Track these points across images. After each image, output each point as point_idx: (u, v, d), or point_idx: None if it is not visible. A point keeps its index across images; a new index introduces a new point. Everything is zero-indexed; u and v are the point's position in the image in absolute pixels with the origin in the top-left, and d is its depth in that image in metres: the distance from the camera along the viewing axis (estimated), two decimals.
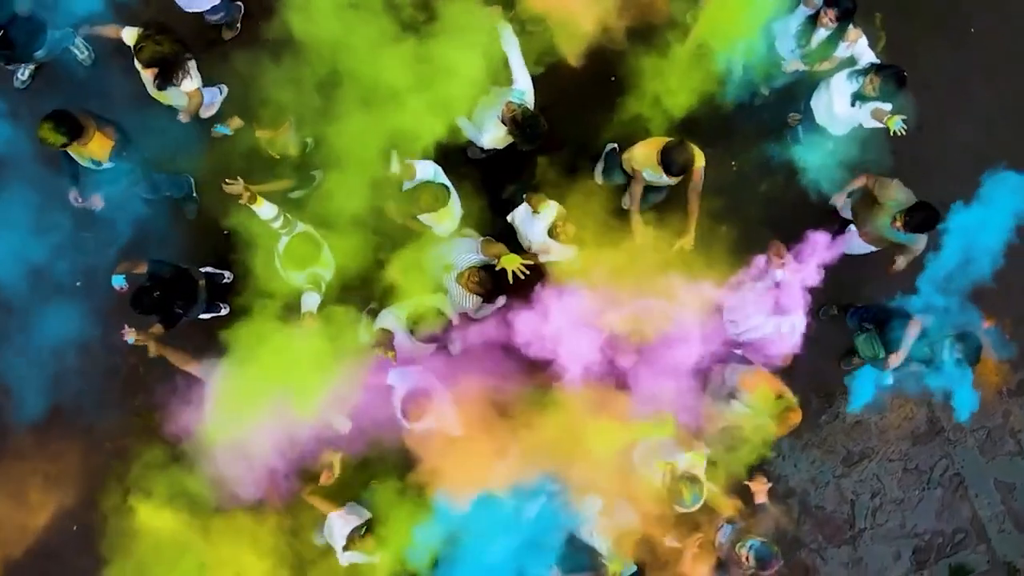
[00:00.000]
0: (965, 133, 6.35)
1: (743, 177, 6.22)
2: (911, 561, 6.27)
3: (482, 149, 5.45)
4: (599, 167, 5.91)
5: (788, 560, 6.12)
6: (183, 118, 5.52)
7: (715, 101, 5.38)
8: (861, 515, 6.25)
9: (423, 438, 4.87)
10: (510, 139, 5.17)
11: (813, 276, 4.88)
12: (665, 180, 5.27)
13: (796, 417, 4.87)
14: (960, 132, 6.35)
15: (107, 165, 5.00)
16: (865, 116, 5.26)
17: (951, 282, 5.13)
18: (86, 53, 5.98)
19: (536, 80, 5.14)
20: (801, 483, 6.25)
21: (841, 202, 5.63)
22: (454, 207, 5.11)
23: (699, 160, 5.15)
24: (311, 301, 4.91)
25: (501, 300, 5.27)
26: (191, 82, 5.17)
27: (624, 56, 5.52)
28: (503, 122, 5.04)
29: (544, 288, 4.89)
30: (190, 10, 5.69)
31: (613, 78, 5.88)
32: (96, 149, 4.88)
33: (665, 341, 4.90)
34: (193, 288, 5.29)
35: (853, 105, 5.23)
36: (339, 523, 4.94)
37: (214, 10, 5.73)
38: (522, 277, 4.95)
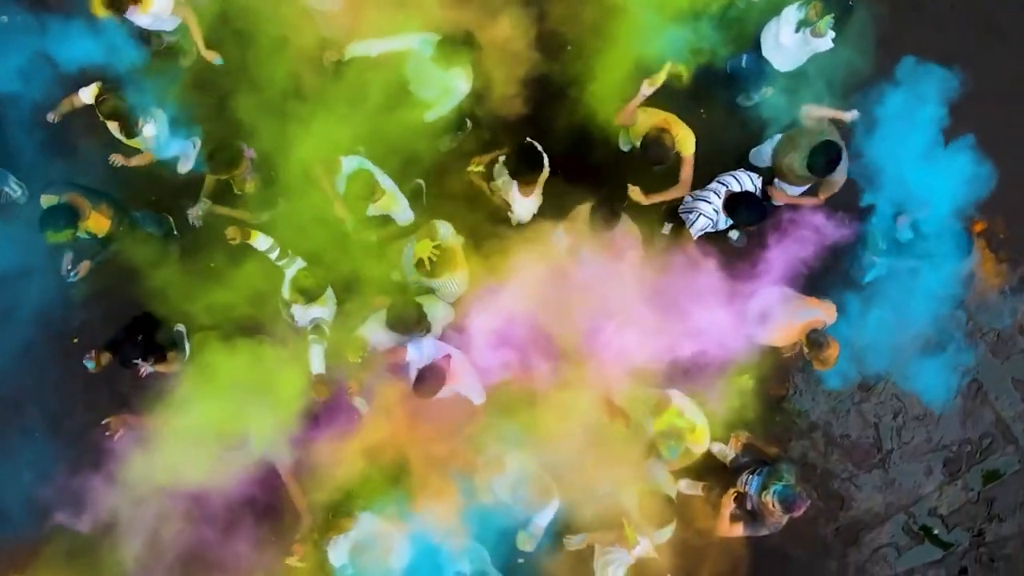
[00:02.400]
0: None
1: (713, 124, 6.13)
2: (943, 474, 6.26)
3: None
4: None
5: (821, 492, 6.17)
6: (182, 169, 5.72)
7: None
8: (887, 437, 6.24)
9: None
10: None
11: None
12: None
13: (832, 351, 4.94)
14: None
15: (101, 239, 5.14)
16: (807, 45, 5.31)
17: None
18: (19, 191, 5.88)
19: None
20: (823, 415, 6.23)
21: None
22: (394, 191, 5.13)
23: (687, 148, 5.16)
24: (318, 359, 4.88)
25: (456, 280, 5.15)
26: (152, 127, 5.20)
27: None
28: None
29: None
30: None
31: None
32: (93, 226, 5.02)
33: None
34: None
35: (797, 31, 5.26)
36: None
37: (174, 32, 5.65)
38: (429, 263, 4.89)
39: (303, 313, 5.05)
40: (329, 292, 5.10)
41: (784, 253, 5.01)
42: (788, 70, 5.66)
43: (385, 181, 5.11)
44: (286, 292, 5.02)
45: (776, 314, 5.18)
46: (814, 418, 6.22)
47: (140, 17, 5.20)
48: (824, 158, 5.11)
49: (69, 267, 5.36)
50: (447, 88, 5.08)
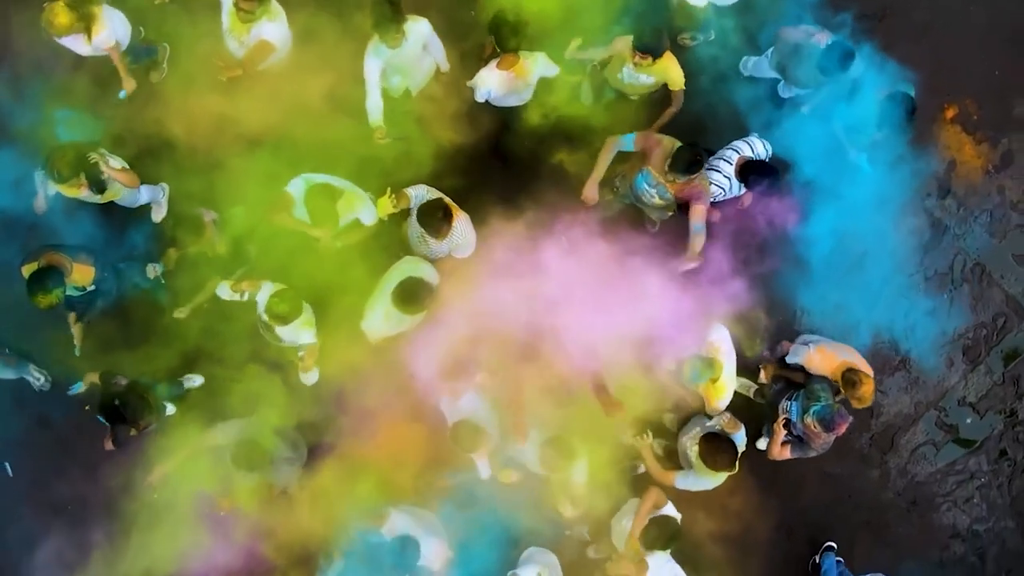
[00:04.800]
0: None
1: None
2: (964, 362, 6.26)
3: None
4: (585, 86, 5.79)
5: (848, 404, 6.15)
6: (156, 217, 5.78)
7: None
8: (902, 337, 6.23)
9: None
10: None
11: None
12: (642, 80, 5.31)
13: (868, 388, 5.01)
14: None
15: (91, 288, 5.15)
16: None
17: None
18: (42, 379, 5.85)
19: None
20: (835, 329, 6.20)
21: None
22: (352, 188, 5.13)
23: (675, 69, 5.24)
24: (311, 378, 5.22)
25: (459, 227, 5.10)
26: (115, 179, 5.17)
27: None
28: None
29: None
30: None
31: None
32: (79, 278, 5.02)
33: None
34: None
35: None
36: None
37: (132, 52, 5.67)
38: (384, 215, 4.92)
39: (289, 332, 5.08)
40: (306, 308, 5.10)
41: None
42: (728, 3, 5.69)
43: (338, 182, 5.08)
44: (264, 316, 5.01)
45: (822, 342, 5.32)
46: (828, 333, 6.18)
47: (83, 47, 5.16)
48: (839, 55, 5.08)
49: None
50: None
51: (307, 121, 5.58)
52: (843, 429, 4.92)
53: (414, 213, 4.98)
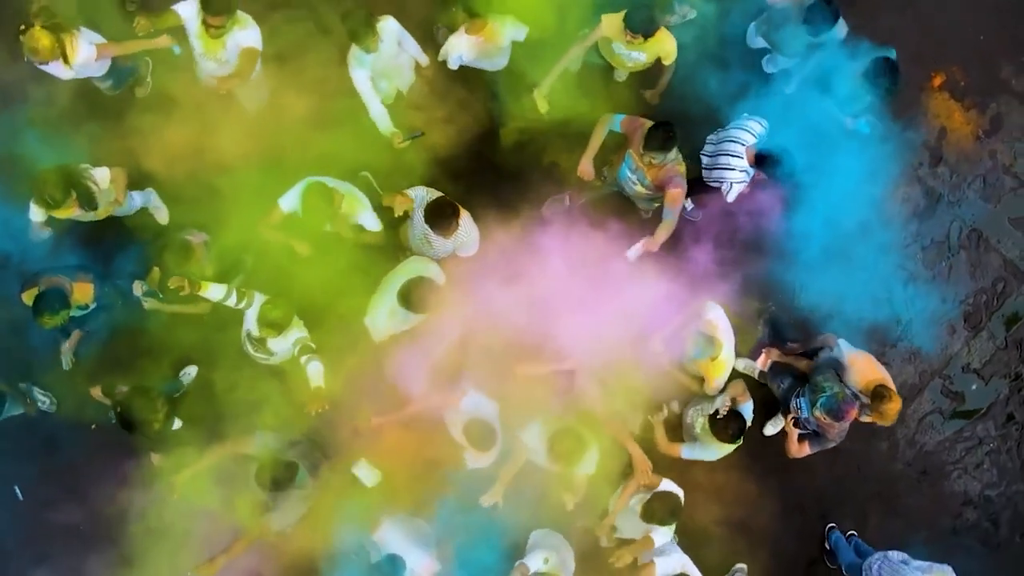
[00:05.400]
0: None
1: None
2: (966, 329, 6.27)
3: None
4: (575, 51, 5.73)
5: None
6: (162, 219, 5.81)
7: None
8: (902, 308, 6.23)
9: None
10: None
11: None
12: (635, 56, 5.35)
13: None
14: None
15: (93, 305, 5.13)
16: None
17: None
18: (47, 402, 5.82)
19: None
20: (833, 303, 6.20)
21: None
22: (352, 191, 5.10)
23: (669, 44, 5.30)
24: (316, 371, 4.90)
25: (464, 224, 5.09)
26: (104, 189, 5.14)
27: None
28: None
29: None
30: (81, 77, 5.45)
31: None
32: (81, 297, 5.01)
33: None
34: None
35: None
36: None
37: (105, 77, 5.59)
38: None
39: (281, 343, 4.99)
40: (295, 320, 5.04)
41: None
42: None
43: (339, 185, 5.05)
44: (255, 329, 4.94)
45: (864, 353, 5.26)
46: (827, 309, 6.19)
47: (64, 71, 5.11)
48: (823, 7, 5.15)
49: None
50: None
51: (294, 136, 5.59)
52: (853, 415, 4.90)
53: (418, 213, 4.98)
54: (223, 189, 5.33)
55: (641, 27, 5.06)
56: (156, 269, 5.19)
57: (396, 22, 5.15)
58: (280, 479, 4.61)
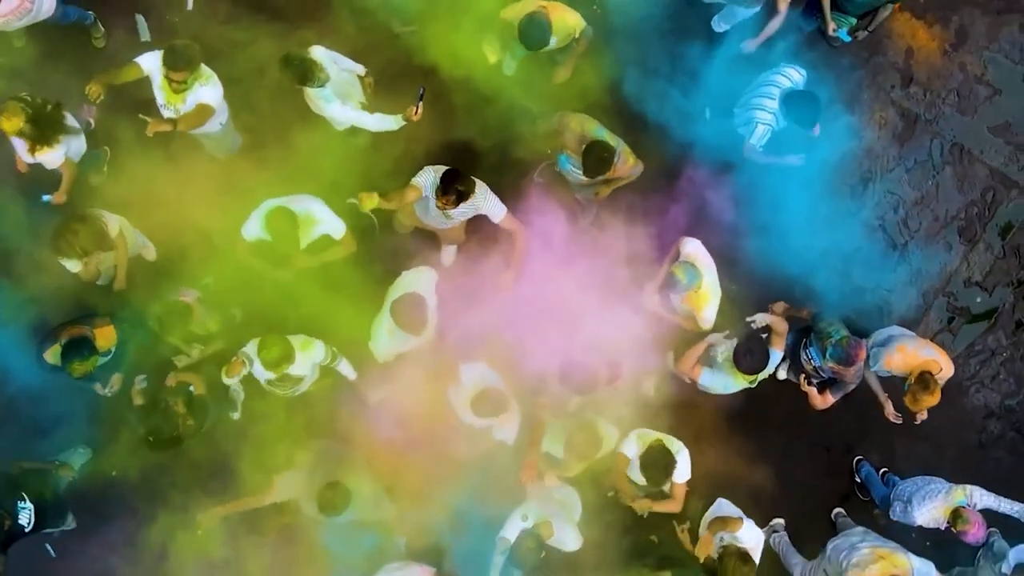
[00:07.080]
0: None
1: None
2: (962, 243, 6.26)
3: None
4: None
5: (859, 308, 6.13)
6: (149, 256, 5.68)
7: None
8: (895, 232, 6.23)
9: None
10: None
11: None
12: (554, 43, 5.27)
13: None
14: None
15: (114, 349, 5.07)
16: None
17: None
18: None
19: None
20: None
21: None
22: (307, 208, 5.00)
23: (574, 21, 5.23)
24: (346, 369, 5.19)
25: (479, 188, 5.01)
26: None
27: None
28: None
29: None
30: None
31: None
32: (104, 343, 4.97)
33: None
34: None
35: None
36: None
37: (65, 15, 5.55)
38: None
39: (300, 365, 4.93)
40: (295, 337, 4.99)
41: None
42: None
43: (294, 201, 4.92)
44: (268, 376, 4.94)
45: (903, 339, 5.20)
46: (824, 245, 6.18)
47: (26, 155, 5.06)
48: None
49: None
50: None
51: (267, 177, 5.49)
52: (863, 355, 4.89)
53: (431, 190, 4.86)
54: (192, 247, 5.38)
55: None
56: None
57: (322, 48, 5.06)
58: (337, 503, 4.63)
